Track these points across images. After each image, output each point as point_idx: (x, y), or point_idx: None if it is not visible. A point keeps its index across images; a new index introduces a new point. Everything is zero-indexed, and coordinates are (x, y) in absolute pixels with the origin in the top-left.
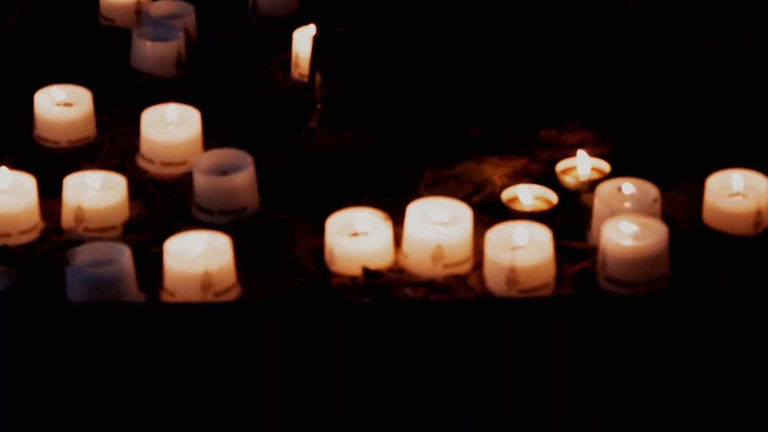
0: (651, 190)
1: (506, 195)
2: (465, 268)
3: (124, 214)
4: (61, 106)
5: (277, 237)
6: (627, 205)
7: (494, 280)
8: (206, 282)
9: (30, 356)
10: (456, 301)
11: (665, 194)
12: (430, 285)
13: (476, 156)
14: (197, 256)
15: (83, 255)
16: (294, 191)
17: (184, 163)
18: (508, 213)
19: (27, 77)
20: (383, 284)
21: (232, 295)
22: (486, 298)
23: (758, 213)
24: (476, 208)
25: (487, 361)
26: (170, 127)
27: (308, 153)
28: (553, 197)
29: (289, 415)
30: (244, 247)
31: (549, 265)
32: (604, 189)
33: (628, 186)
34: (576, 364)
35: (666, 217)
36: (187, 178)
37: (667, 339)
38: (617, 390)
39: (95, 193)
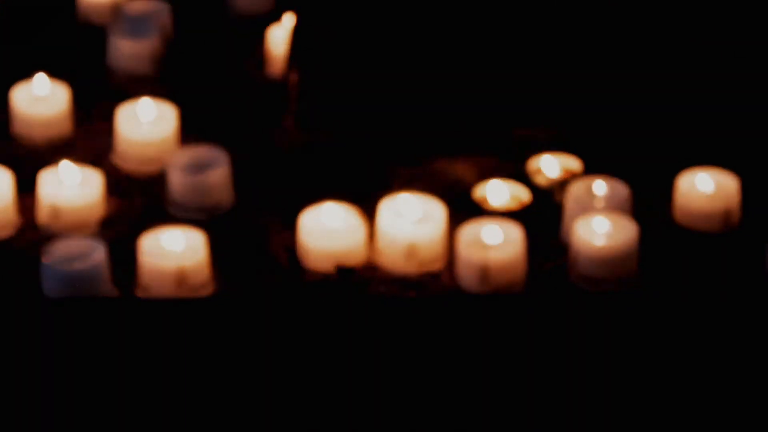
0: (622, 189)
1: (479, 192)
2: (438, 265)
3: (99, 210)
4: (39, 102)
5: (251, 233)
6: (599, 203)
7: (467, 277)
8: (181, 278)
9: (6, 352)
10: (429, 298)
11: (636, 192)
12: (403, 282)
13: (449, 154)
14: (172, 252)
15: (58, 251)
16: (269, 187)
17: (158, 160)
18: (481, 210)
19: (3, 73)
20: (357, 281)
21: (207, 291)
22: (458, 295)
23: (727, 212)
24: (450, 204)
25: (459, 357)
26: (145, 126)
27: (283, 150)
28: (525, 195)
29: (264, 411)
30: (219, 243)
31: (521, 263)
32: (576, 187)
33: (600, 184)
34: (547, 361)
35: (637, 215)
36: (162, 176)
37: (636, 336)
38: (590, 387)
39: (71, 189)
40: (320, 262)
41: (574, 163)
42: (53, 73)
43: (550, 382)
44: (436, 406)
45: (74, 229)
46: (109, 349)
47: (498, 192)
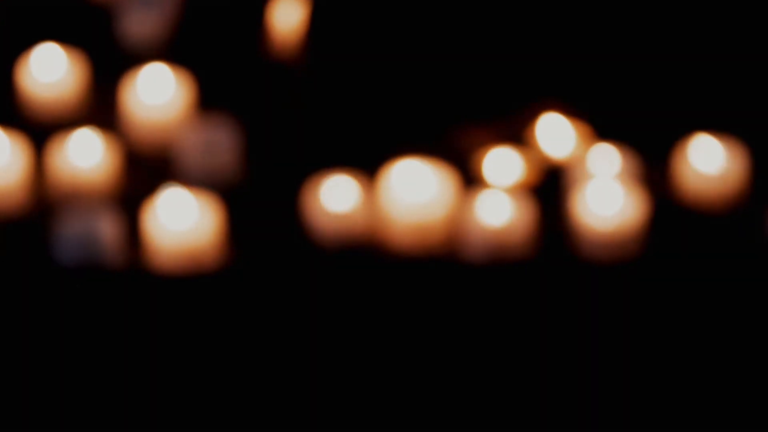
0: (630, 161)
1: (486, 164)
2: (443, 236)
3: (111, 179)
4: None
5: (262, 203)
6: (605, 175)
7: (474, 248)
8: (190, 249)
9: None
10: (433, 267)
11: (645, 165)
12: (409, 255)
13: (458, 125)
14: (181, 223)
15: (72, 218)
16: (280, 158)
17: (170, 131)
18: (487, 182)
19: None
20: (362, 254)
21: (216, 263)
22: (464, 267)
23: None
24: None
25: (465, 330)
26: (156, 96)
27: (293, 119)
28: (532, 166)
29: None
30: (229, 213)
31: (526, 234)
32: (583, 157)
33: (607, 156)
34: (554, 334)
35: (644, 188)
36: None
37: (638, 312)
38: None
39: (84, 158)
40: (326, 233)
41: (579, 135)
42: (65, 43)
43: (556, 357)
44: (442, 383)
45: (87, 197)
46: (117, 320)
47: (504, 163)
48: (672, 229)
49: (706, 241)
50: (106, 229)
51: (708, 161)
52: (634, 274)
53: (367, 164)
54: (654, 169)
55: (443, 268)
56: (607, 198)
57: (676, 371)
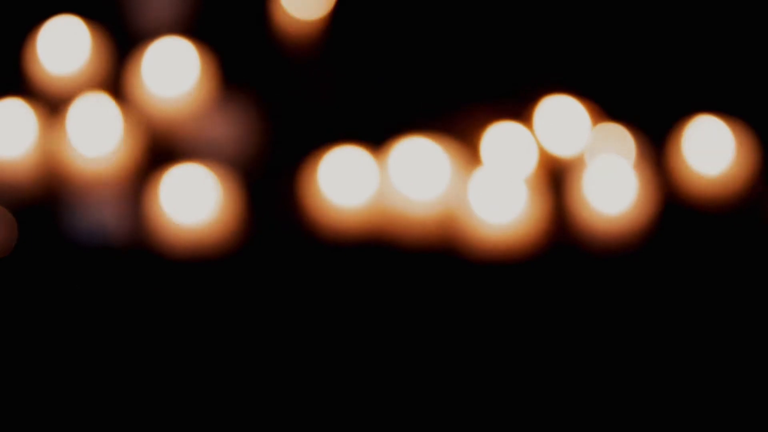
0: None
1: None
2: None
3: (125, 152)
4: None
5: (271, 179)
6: (611, 158)
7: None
8: (204, 226)
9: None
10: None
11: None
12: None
13: (465, 105)
14: (197, 200)
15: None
16: (290, 133)
17: (186, 106)
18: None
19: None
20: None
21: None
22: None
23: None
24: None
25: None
26: (170, 70)
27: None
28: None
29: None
30: (239, 188)
31: (533, 222)
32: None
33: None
34: (553, 325)
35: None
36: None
37: (643, 302)
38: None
39: (98, 128)
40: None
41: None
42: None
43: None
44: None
45: (103, 173)
46: (127, 300)
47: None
48: (678, 217)
49: (712, 229)
50: (120, 207)
51: (714, 144)
52: (639, 263)
53: (374, 141)
54: (660, 151)
55: (448, 258)
56: (612, 183)
57: (680, 365)
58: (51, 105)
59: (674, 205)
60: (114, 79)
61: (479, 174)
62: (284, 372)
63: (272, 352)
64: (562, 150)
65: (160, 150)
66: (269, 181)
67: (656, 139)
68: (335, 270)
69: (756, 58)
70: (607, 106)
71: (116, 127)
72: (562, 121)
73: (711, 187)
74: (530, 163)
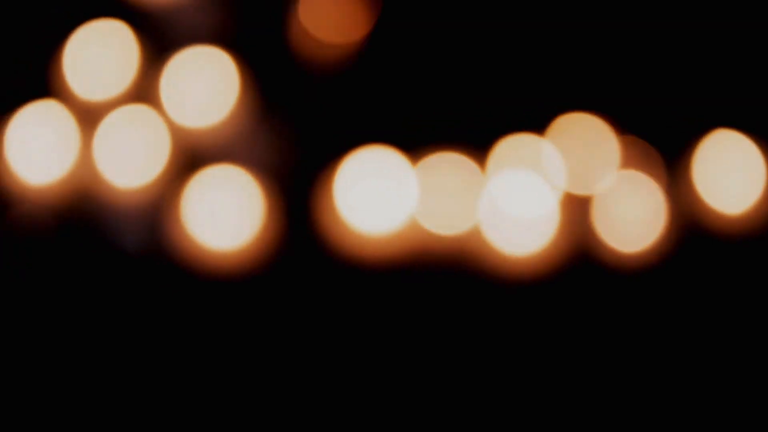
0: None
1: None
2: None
3: (159, 158)
4: None
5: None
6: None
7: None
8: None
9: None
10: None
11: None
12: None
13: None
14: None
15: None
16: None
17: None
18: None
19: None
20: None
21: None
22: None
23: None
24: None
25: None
26: (201, 78)
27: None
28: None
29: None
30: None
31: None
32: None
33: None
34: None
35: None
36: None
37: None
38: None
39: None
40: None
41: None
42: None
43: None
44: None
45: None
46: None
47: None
48: (694, 234)
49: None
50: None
51: (730, 159)
52: (654, 281)
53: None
54: (674, 167)
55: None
56: (626, 197)
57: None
58: (84, 112)
59: (696, 226)
60: (147, 88)
61: (497, 190)
62: (300, 393)
63: (287, 366)
64: (583, 168)
65: (191, 158)
66: (299, 193)
67: (675, 156)
68: (359, 290)
69: None
70: (627, 122)
71: (148, 136)
72: (583, 137)
73: (733, 208)
74: (552, 181)
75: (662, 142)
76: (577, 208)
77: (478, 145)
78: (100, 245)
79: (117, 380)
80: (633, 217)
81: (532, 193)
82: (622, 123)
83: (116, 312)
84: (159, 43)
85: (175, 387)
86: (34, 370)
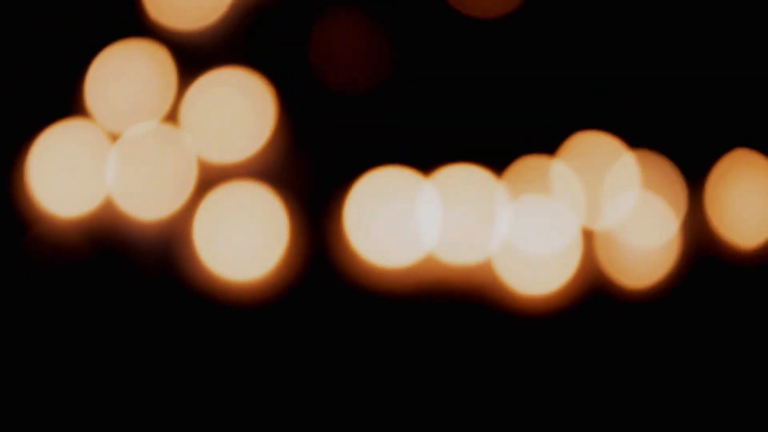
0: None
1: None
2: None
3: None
4: None
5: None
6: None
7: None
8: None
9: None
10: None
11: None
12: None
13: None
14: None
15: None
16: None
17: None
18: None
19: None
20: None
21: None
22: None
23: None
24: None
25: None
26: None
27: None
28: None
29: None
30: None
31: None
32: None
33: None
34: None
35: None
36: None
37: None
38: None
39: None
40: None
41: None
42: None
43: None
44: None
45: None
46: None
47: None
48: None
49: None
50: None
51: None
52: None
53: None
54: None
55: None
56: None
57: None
58: (109, 132)
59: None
60: (169, 108)
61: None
62: (310, 421)
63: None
64: (600, 193)
65: (211, 176)
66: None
67: (694, 176)
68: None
69: None
70: (644, 141)
71: (173, 159)
72: (597, 157)
73: (750, 236)
74: (569, 210)
75: (681, 162)
76: (595, 240)
77: (493, 168)
78: (119, 270)
79: (131, 409)
80: (651, 246)
81: (549, 224)
82: (639, 142)
83: (131, 336)
84: (182, 65)
85: (189, 416)
86: (43, 394)
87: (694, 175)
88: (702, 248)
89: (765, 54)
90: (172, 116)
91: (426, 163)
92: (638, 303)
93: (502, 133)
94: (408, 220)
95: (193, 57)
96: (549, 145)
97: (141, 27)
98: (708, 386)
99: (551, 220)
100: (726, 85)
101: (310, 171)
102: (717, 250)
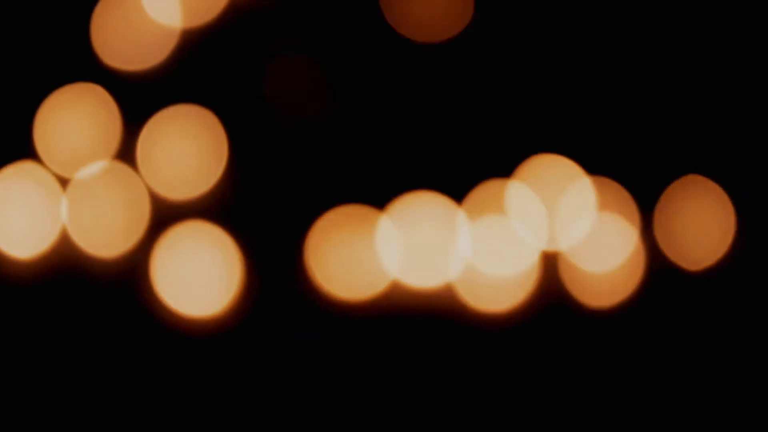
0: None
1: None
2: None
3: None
4: None
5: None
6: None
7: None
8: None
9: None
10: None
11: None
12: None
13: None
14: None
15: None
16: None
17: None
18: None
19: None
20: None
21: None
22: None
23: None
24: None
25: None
26: None
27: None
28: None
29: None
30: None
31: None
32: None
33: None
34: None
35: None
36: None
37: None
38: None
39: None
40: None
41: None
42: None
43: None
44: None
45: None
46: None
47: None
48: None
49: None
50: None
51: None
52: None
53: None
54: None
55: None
56: (599, 239)
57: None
58: (60, 174)
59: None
60: (120, 148)
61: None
62: None
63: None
64: (555, 209)
65: (167, 213)
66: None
67: (646, 199)
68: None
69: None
70: (596, 163)
71: (126, 199)
72: (554, 179)
73: (704, 257)
74: (528, 231)
75: (634, 187)
76: (553, 260)
77: (450, 193)
78: (76, 307)
79: None
80: (609, 266)
81: (508, 245)
82: (595, 166)
83: (90, 373)
84: (133, 105)
85: None
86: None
87: (647, 198)
88: (654, 269)
89: (714, 85)
90: (124, 155)
91: (384, 195)
92: (594, 319)
93: (459, 158)
94: (369, 252)
95: (144, 96)
96: (506, 169)
97: (89, 69)
98: (664, 402)
99: (510, 242)
100: (677, 115)
101: (266, 207)
102: (668, 271)
